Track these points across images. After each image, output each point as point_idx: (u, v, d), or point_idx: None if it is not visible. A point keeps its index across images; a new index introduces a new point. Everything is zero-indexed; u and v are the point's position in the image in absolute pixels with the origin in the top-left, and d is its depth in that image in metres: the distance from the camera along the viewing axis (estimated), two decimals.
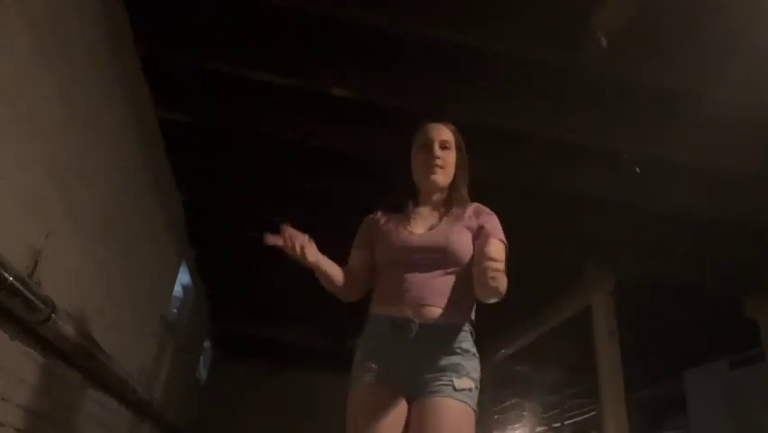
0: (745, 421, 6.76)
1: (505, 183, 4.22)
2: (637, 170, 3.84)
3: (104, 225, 3.21)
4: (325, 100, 3.56)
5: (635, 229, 4.66)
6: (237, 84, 3.53)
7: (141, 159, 3.72)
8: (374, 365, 1.60)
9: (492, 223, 1.76)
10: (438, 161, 1.77)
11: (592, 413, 10.29)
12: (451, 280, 1.65)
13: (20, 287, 2.08)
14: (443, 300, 1.62)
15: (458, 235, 1.69)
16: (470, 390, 1.58)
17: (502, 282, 1.45)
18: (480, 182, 4.20)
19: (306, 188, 4.68)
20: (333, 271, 1.67)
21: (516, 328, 6.95)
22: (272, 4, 2.90)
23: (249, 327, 8.73)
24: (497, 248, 1.59)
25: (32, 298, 2.19)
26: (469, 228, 1.72)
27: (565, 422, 11.22)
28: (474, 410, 1.57)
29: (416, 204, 1.84)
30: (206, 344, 8.79)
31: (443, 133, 1.83)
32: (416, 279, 1.64)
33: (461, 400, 1.54)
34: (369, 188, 4.58)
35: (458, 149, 1.86)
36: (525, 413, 12.03)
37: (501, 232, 1.75)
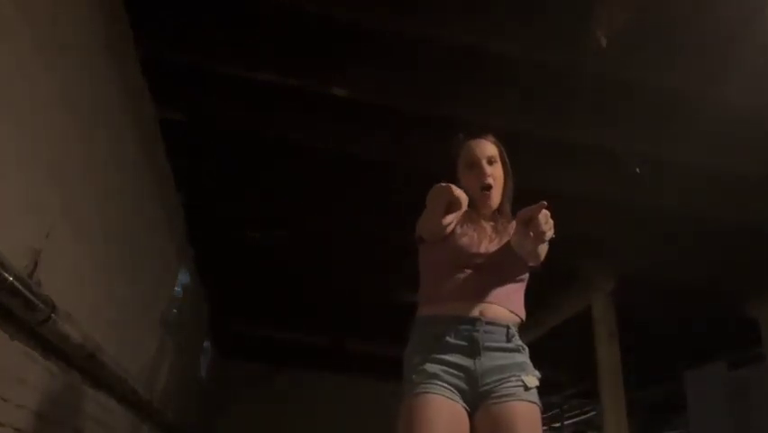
0: (745, 421, 6.75)
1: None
2: (637, 170, 3.84)
3: (104, 225, 3.20)
4: (325, 100, 3.57)
5: (635, 229, 4.66)
6: (237, 84, 3.53)
7: (141, 159, 3.72)
8: (439, 372, 1.51)
9: None
10: (489, 180, 1.78)
11: (592, 413, 10.29)
12: (516, 286, 1.70)
13: (20, 287, 2.07)
14: (507, 301, 1.64)
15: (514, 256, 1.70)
16: (536, 388, 1.56)
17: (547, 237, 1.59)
18: None
19: (306, 188, 4.68)
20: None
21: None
22: (272, 4, 2.90)
23: (249, 327, 8.73)
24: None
25: (32, 298, 2.18)
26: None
27: (565, 422, 11.22)
28: (541, 408, 1.54)
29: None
30: (206, 344, 8.78)
31: (488, 148, 1.84)
32: (481, 280, 1.64)
33: (532, 401, 1.52)
34: (369, 188, 4.58)
35: (503, 162, 1.88)
36: None
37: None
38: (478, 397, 1.50)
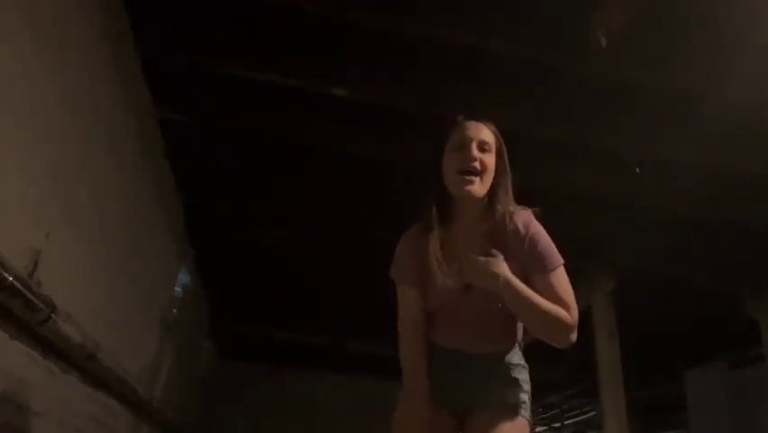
0: (745, 421, 6.75)
1: None
2: (637, 170, 3.84)
3: (104, 225, 3.20)
4: (325, 100, 3.57)
5: (635, 229, 4.66)
6: (237, 84, 3.53)
7: (141, 159, 3.72)
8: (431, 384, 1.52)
9: (537, 250, 1.51)
10: (475, 164, 1.49)
11: (592, 413, 10.29)
12: (500, 314, 1.52)
13: (20, 287, 2.07)
14: (496, 335, 1.57)
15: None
16: (524, 403, 1.53)
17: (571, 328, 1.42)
18: None
19: (306, 188, 4.68)
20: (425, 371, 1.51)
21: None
22: (272, 4, 2.90)
23: (249, 327, 8.73)
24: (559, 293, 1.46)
25: (32, 298, 2.18)
26: (516, 258, 1.49)
27: (565, 422, 11.22)
28: (529, 421, 1.53)
29: (450, 217, 1.57)
30: (206, 344, 8.78)
31: (484, 133, 1.56)
32: (467, 320, 1.54)
33: (520, 415, 1.50)
34: (369, 188, 4.58)
35: (499, 155, 1.60)
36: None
37: (553, 253, 1.53)
38: (466, 411, 1.53)
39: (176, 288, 5.58)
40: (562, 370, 8.84)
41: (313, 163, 4.28)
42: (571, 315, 1.41)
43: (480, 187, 1.51)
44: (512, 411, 1.49)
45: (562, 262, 1.52)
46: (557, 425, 11.53)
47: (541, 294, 1.42)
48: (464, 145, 1.54)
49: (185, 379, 6.97)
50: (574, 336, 1.42)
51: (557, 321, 1.39)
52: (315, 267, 6.14)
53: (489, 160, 1.55)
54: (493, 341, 1.56)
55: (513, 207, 1.59)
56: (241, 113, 3.75)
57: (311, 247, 5.73)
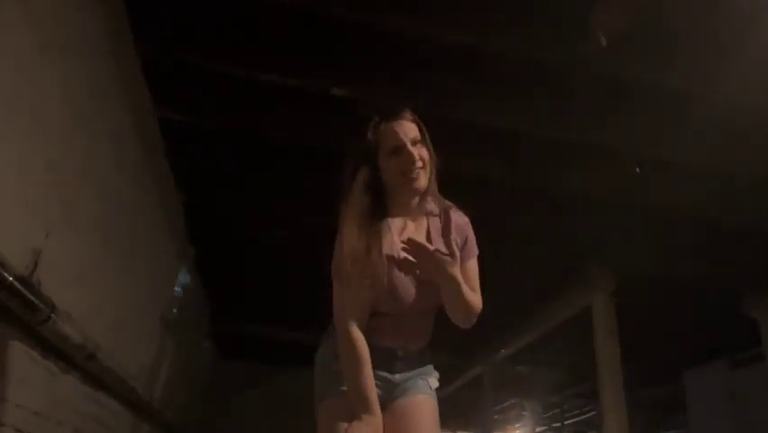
0: (744, 421, 6.76)
1: (505, 183, 4.23)
2: (637, 170, 3.84)
3: (104, 225, 3.21)
4: (325, 100, 3.57)
5: (635, 229, 4.66)
6: (237, 84, 3.53)
7: (141, 159, 3.72)
8: None
9: (469, 236, 1.72)
10: (419, 164, 1.60)
11: (592, 413, 10.30)
12: (431, 315, 1.68)
13: (20, 287, 2.08)
14: (424, 337, 1.69)
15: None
16: (437, 388, 1.68)
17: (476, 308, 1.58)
18: (479, 182, 4.23)
19: (306, 188, 4.68)
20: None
21: (517, 328, 6.95)
22: (272, 4, 2.91)
23: (249, 327, 8.73)
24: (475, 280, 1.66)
25: (32, 298, 2.19)
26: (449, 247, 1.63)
27: (565, 422, 11.23)
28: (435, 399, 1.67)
29: (385, 212, 1.66)
30: (206, 344, 8.79)
31: (411, 129, 1.65)
32: (402, 323, 1.62)
33: (434, 397, 1.65)
34: None
35: (425, 141, 1.67)
36: (525, 413, 12.03)
37: (475, 243, 1.73)
38: (391, 397, 1.60)
39: (176, 288, 5.58)
40: (562, 370, 8.85)
41: (313, 163, 4.28)
42: (480, 301, 1.61)
43: (424, 179, 1.64)
44: (432, 394, 1.65)
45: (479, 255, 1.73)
46: (557, 425, 11.54)
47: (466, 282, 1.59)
48: (400, 148, 1.61)
49: (185, 379, 6.98)
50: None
51: (474, 309, 1.58)
52: (315, 267, 6.12)
53: (424, 152, 1.64)
54: (421, 342, 1.69)
55: (444, 201, 1.75)
56: (241, 113, 3.75)
57: (311, 247, 5.72)
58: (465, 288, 1.55)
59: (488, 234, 5.45)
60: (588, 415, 10.60)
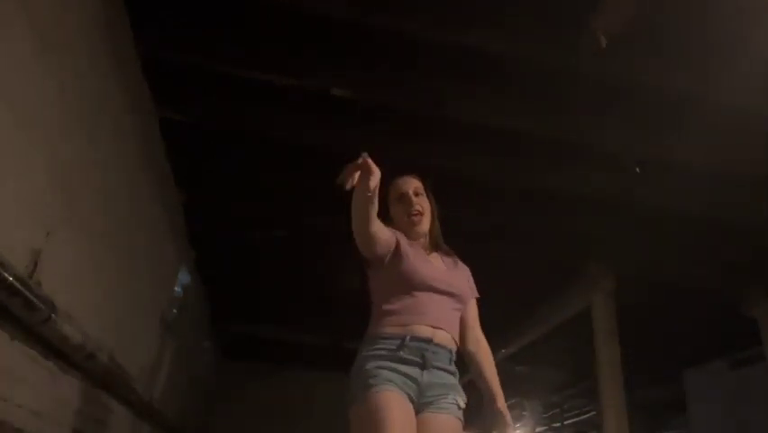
0: (745, 421, 6.76)
1: (505, 183, 4.23)
2: (637, 170, 3.84)
3: (104, 225, 3.21)
4: (325, 100, 3.57)
5: (635, 229, 4.67)
6: (237, 84, 3.53)
7: (141, 159, 3.72)
8: (394, 378, 1.68)
9: (472, 280, 2.03)
10: (417, 208, 1.96)
11: (592, 413, 10.29)
12: (456, 313, 1.89)
13: (20, 287, 2.08)
14: (451, 328, 1.84)
15: (464, 283, 1.96)
16: (464, 407, 1.80)
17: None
18: (480, 182, 4.23)
19: (306, 188, 4.68)
20: (374, 212, 1.73)
21: (517, 328, 6.96)
22: (272, 4, 2.90)
23: (249, 326, 8.74)
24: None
25: (32, 298, 2.19)
26: (465, 279, 2.00)
27: (565, 422, 11.23)
28: (463, 423, 1.80)
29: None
30: (206, 344, 8.78)
31: (413, 182, 2.03)
32: (434, 304, 1.82)
33: (460, 418, 1.77)
34: None
35: (428, 195, 2.04)
36: (525, 413, 12.03)
37: (476, 288, 2.03)
38: (420, 405, 1.71)
39: (176, 288, 5.58)
40: (562, 370, 8.85)
41: (313, 163, 4.28)
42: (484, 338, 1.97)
43: (425, 223, 1.99)
44: (459, 416, 1.80)
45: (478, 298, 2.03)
46: (557, 425, 11.54)
47: (471, 313, 1.96)
48: (404, 195, 1.99)
49: (185, 379, 6.98)
50: None
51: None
52: (315, 267, 6.14)
53: (425, 202, 2.01)
54: (449, 333, 1.87)
55: (451, 251, 2.05)
56: (241, 113, 3.75)
57: (311, 247, 5.73)
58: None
59: (487, 235, 5.46)
60: (588, 415, 10.60)
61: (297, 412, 9.85)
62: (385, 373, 1.67)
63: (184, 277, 5.91)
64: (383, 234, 1.80)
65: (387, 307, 1.82)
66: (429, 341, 1.74)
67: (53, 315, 2.37)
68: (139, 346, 4.46)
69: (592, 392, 7.11)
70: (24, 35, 2.11)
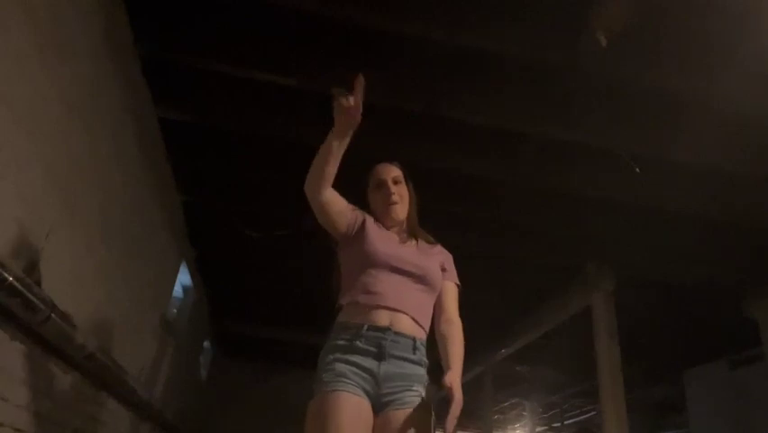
0: (745, 421, 6.76)
1: (505, 183, 4.23)
2: (637, 170, 3.84)
3: (104, 225, 3.21)
4: (326, 100, 3.56)
5: (636, 229, 4.66)
6: (237, 84, 3.53)
7: (141, 159, 3.72)
8: (347, 372, 1.64)
9: (452, 266, 1.99)
10: (394, 197, 1.97)
11: (592, 413, 10.30)
12: (424, 297, 1.82)
13: (20, 287, 2.08)
14: (416, 312, 1.76)
15: (436, 266, 1.89)
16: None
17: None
18: (479, 182, 4.23)
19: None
20: (336, 165, 1.83)
21: (517, 328, 6.96)
22: (272, 4, 2.90)
23: (249, 327, 8.73)
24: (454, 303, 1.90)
25: (32, 298, 2.19)
26: (439, 263, 1.94)
27: (565, 422, 11.24)
28: None
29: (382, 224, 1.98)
30: (206, 344, 8.79)
31: (393, 170, 2.05)
32: (396, 285, 1.76)
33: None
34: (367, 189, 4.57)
35: (407, 183, 2.05)
36: (525, 413, 12.03)
37: (456, 275, 1.98)
38: (379, 398, 1.63)
39: (176, 288, 5.58)
40: (562, 370, 8.85)
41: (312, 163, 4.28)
42: (459, 321, 1.85)
43: (401, 211, 1.99)
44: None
45: (459, 286, 1.98)
46: (557, 425, 11.55)
47: (446, 296, 1.88)
48: (382, 183, 2.01)
49: (185, 379, 6.98)
50: None
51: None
52: (315, 267, 6.13)
53: (403, 190, 2.02)
54: (413, 319, 1.81)
55: (429, 237, 2.02)
56: (241, 113, 3.75)
57: (311, 247, 5.73)
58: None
59: (488, 234, 5.46)
60: (588, 415, 10.60)
61: (297, 412, 9.84)
62: (339, 366, 1.63)
63: (184, 277, 5.91)
64: (337, 205, 1.85)
65: (348, 289, 1.81)
66: (386, 330, 1.68)
67: (53, 315, 2.36)
68: (139, 346, 4.46)
69: (592, 392, 7.11)
70: (24, 35, 2.11)
